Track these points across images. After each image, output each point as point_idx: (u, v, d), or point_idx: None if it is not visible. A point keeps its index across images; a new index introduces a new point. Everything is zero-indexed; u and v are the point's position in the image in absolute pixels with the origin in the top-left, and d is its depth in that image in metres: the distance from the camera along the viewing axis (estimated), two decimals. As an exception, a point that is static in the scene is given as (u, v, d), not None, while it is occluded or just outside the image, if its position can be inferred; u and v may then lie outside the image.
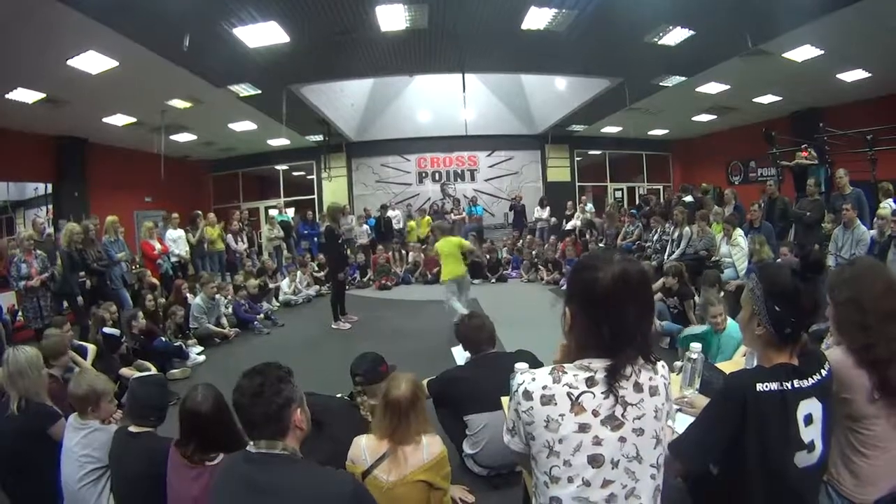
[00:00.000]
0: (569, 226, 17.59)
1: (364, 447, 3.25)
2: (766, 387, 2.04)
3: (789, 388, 2.06)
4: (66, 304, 9.30)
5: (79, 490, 3.71)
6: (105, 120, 14.35)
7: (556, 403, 1.73)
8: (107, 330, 7.96)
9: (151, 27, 8.91)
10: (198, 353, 9.16)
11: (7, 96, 11.22)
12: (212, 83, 12.27)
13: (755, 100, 15.58)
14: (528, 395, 1.78)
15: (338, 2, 8.59)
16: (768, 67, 11.97)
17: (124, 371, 7.05)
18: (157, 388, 3.82)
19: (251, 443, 2.31)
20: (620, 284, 1.73)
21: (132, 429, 3.63)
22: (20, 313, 9.62)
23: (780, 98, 15.41)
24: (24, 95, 11.37)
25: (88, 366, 6.60)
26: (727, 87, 14.05)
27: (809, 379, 2.11)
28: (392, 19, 9.52)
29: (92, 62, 9.99)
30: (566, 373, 1.77)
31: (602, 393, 1.71)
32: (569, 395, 1.73)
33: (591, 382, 1.73)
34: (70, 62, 9.85)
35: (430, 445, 3.29)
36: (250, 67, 11.41)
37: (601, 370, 1.74)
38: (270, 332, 10.88)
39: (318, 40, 10.39)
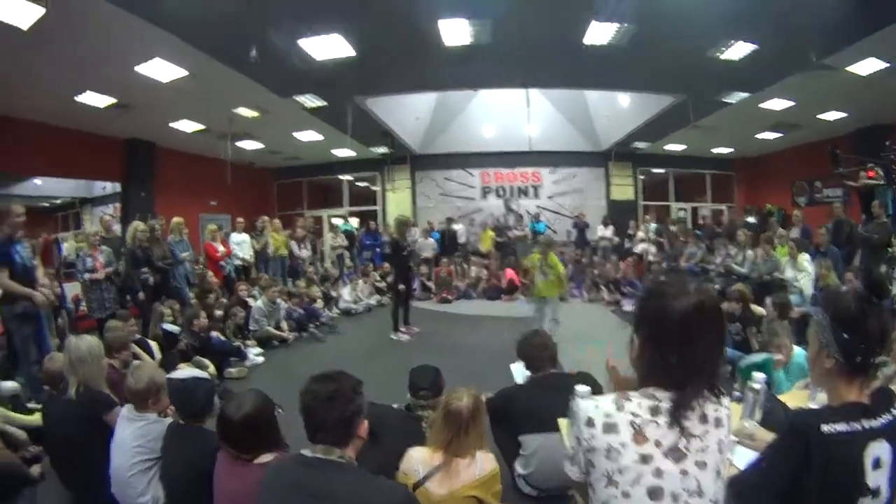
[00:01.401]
0: (638, 249, 17.14)
1: (418, 459, 3.24)
2: (833, 428, 1.90)
3: (859, 428, 1.92)
4: (128, 297, 9.52)
5: (129, 478, 3.79)
6: (173, 125, 14.63)
7: (618, 432, 1.69)
8: (166, 326, 8.17)
9: (219, 38, 9.09)
10: (256, 354, 9.31)
11: (77, 99, 11.51)
12: (278, 94, 12.40)
13: (819, 116, 15.03)
14: (590, 422, 1.75)
15: (402, 16, 8.60)
16: (832, 82, 11.52)
17: (182, 367, 7.15)
18: (186, 394, 3.81)
19: (307, 448, 2.34)
20: (694, 316, 1.69)
21: (182, 421, 3.73)
22: (83, 303, 9.96)
23: (844, 114, 14.84)
24: (95, 99, 11.66)
25: (150, 360, 6.76)
26: (792, 103, 13.59)
27: (880, 418, 1.95)
28: (456, 34, 9.47)
29: (161, 70, 10.19)
30: (630, 400, 1.73)
31: (666, 423, 1.68)
32: (632, 423, 1.69)
33: (655, 412, 1.69)
34: (138, 69, 10.06)
35: (484, 461, 3.26)
36: (316, 79, 11.49)
37: (666, 400, 1.70)
38: (327, 338, 10.99)
39: (382, 54, 10.43)
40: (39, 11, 7.50)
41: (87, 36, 8.60)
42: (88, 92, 11.29)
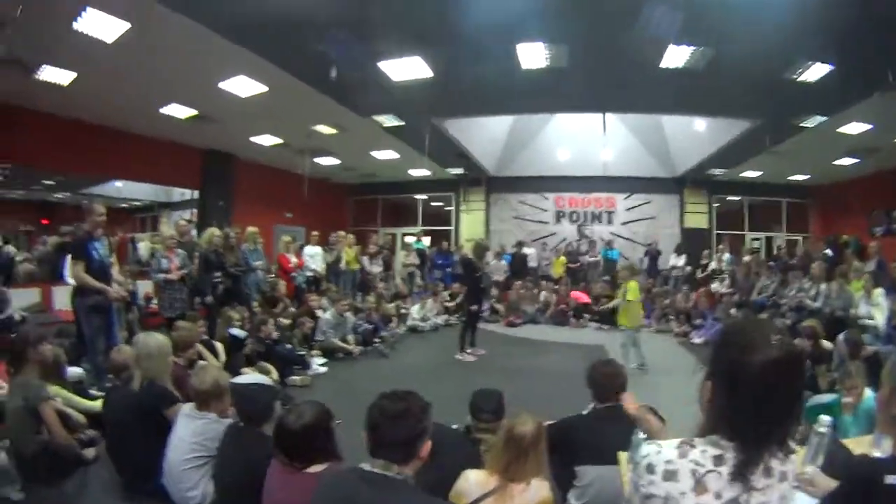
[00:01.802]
0: (714, 287, 16.21)
1: (473, 480, 3.19)
2: None
3: None
4: (198, 300, 9.76)
5: (182, 472, 3.95)
6: (252, 139, 15.09)
7: (678, 480, 1.61)
8: (233, 330, 8.34)
9: (300, 57, 9.31)
10: (320, 365, 9.43)
11: (161, 110, 12.07)
12: (356, 113, 12.61)
13: None
14: (650, 468, 1.67)
15: (481, 39, 8.62)
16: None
17: (246, 371, 7.30)
18: (248, 399, 3.96)
19: (364, 461, 2.37)
20: (774, 373, 1.57)
21: (241, 424, 3.84)
22: (154, 301, 10.35)
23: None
24: (178, 111, 12.20)
25: (215, 361, 6.95)
26: (870, 126, 12.90)
27: None
28: (533, 57, 9.48)
29: (242, 86, 10.56)
30: (694, 447, 1.65)
31: (729, 474, 1.58)
32: (693, 472, 1.60)
33: (719, 461, 1.60)
34: (221, 84, 10.45)
35: (539, 490, 3.18)
36: (394, 99, 11.65)
37: (732, 450, 1.60)
38: (392, 354, 11.01)
39: (460, 76, 10.51)
40: (124, 26, 7.86)
41: (173, 52, 9.01)
42: (173, 104, 11.79)
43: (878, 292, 9.51)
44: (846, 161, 16.75)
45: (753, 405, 1.58)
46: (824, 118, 12.39)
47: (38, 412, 4.42)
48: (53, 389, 4.94)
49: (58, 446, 4.51)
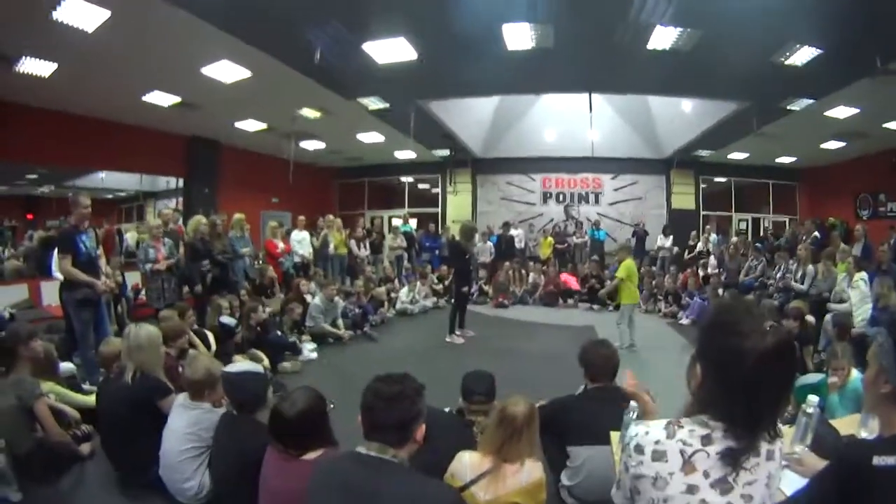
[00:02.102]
0: (703, 270, 16.44)
1: (466, 463, 3.21)
2: (884, 461, 1.75)
3: None
4: (186, 289, 9.72)
5: (178, 463, 3.95)
6: (237, 125, 14.98)
7: (667, 460, 1.65)
8: (223, 319, 8.31)
9: (283, 40, 9.24)
10: (311, 350, 9.39)
11: (144, 98, 11.94)
12: (341, 95, 12.54)
13: (886, 125, 14.28)
14: (639, 448, 1.71)
15: (465, 20, 8.47)
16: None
17: (238, 359, 7.28)
18: (240, 387, 3.92)
19: (360, 444, 2.36)
20: (768, 362, 1.57)
21: (235, 412, 3.84)
22: (143, 292, 10.33)
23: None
24: (161, 98, 12.06)
25: (205, 350, 6.93)
26: (857, 111, 12.98)
27: None
28: (518, 38, 9.42)
29: (225, 71, 10.45)
30: (682, 427, 1.68)
31: (717, 454, 1.61)
32: (682, 452, 1.63)
33: (707, 441, 1.63)
34: (204, 70, 10.33)
35: (532, 470, 3.22)
36: (379, 82, 11.60)
37: (719, 430, 1.63)
38: (382, 338, 10.97)
39: (446, 57, 10.45)
40: (105, 14, 7.76)
41: (155, 39, 8.89)
42: (156, 92, 11.68)
43: (860, 276, 9.41)
44: (833, 144, 16.82)
45: (745, 391, 1.59)
46: (811, 101, 12.41)
47: (33, 410, 4.41)
48: (47, 386, 4.92)
49: (53, 443, 4.50)
